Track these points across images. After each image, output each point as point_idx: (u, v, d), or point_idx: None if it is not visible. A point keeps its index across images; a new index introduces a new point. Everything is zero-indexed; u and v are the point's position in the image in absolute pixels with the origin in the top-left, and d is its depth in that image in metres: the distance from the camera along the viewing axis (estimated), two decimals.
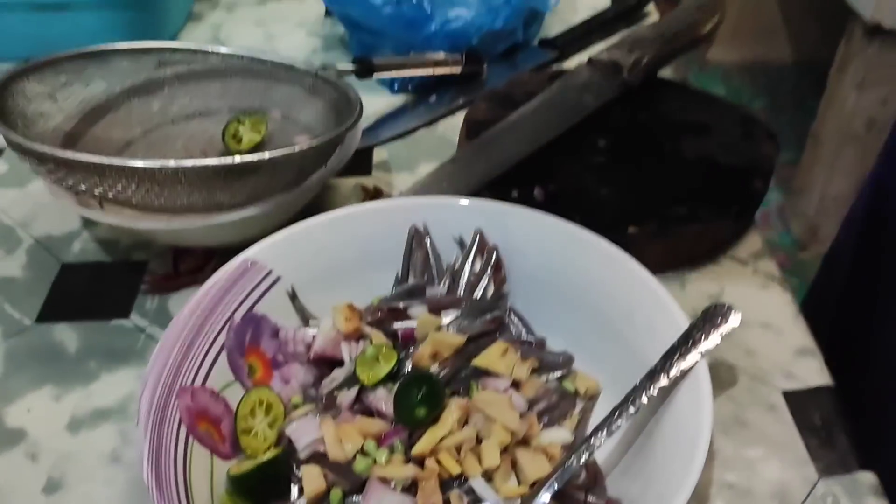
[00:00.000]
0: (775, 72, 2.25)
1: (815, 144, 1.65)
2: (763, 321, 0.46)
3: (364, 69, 0.59)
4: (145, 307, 0.47)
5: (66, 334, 0.46)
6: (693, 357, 0.36)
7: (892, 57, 1.45)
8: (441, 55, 0.64)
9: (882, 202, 0.57)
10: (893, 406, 0.51)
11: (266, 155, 0.43)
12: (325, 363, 0.41)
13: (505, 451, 0.36)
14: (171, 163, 0.41)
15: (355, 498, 0.35)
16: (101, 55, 0.53)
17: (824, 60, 1.67)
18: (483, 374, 0.39)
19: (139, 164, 0.41)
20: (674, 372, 0.36)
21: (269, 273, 0.42)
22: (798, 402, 0.41)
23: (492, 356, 0.39)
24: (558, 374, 0.41)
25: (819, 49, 2.06)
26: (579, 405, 0.40)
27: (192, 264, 0.49)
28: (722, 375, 0.43)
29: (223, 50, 0.55)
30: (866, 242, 0.58)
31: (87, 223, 0.53)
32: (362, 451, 0.36)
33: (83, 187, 0.43)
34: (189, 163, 0.41)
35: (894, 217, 0.54)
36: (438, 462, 0.35)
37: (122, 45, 0.53)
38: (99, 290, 0.49)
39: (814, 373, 0.43)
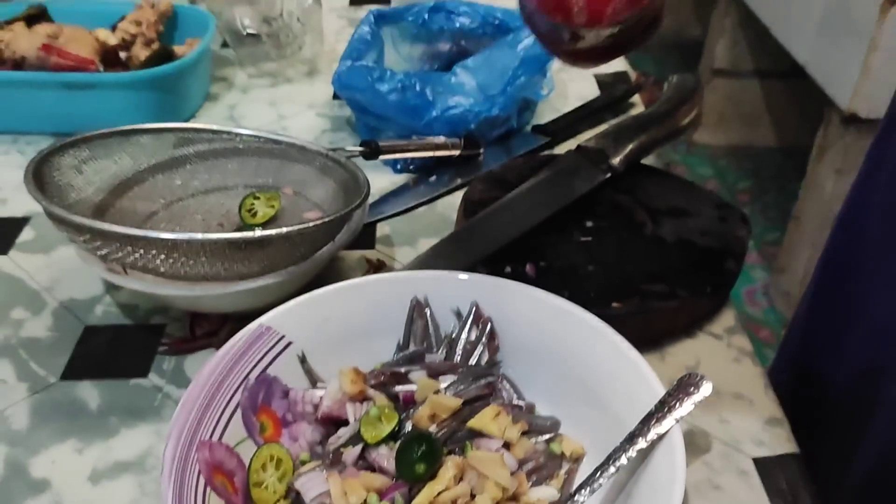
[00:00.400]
0: (759, 155, 2.33)
1: (797, 226, 1.70)
2: (735, 392, 0.49)
3: (371, 151, 0.64)
4: (163, 368, 0.51)
5: (89, 392, 0.49)
6: (668, 422, 0.39)
7: (868, 144, 1.53)
8: (441, 139, 0.69)
9: (829, 278, 0.61)
10: (852, 470, 0.54)
11: (283, 230, 0.47)
12: (332, 422, 0.44)
13: None
14: (198, 235, 0.45)
15: None
16: (129, 134, 0.58)
17: (805, 145, 1.75)
18: (477, 434, 0.42)
19: (168, 236, 0.45)
20: (651, 435, 0.39)
21: (281, 338, 0.45)
22: (767, 467, 0.45)
23: (485, 418, 0.43)
24: (546, 436, 0.44)
25: (800, 134, 2.16)
26: (565, 466, 0.43)
27: (207, 328, 0.53)
28: (698, 442, 0.47)
29: (241, 131, 0.60)
30: (814, 317, 0.62)
31: (110, 288, 0.57)
32: None
33: (113, 255, 0.47)
34: (214, 236, 0.45)
35: (841, 290, 0.58)
36: None
37: (149, 126, 0.58)
38: (119, 351, 0.52)
39: (782, 441, 0.46)
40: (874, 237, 0.55)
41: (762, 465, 0.45)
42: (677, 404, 0.40)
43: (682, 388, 0.41)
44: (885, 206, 0.54)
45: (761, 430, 0.47)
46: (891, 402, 0.51)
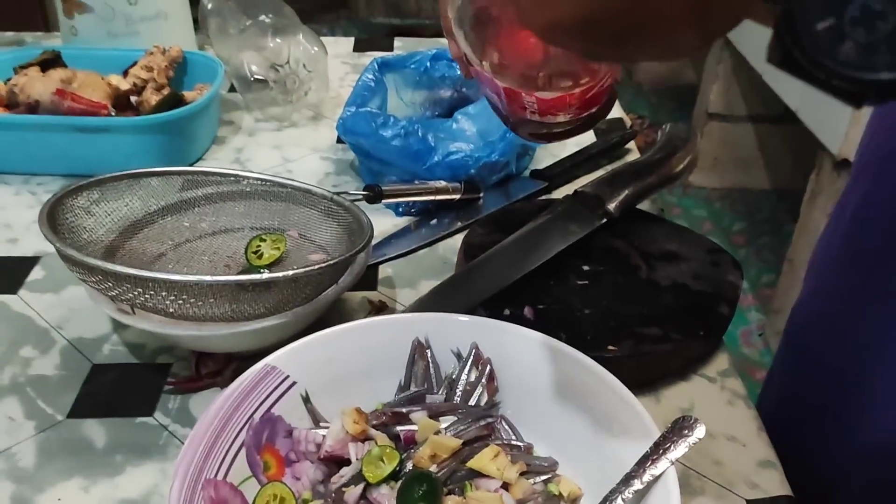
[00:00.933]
0: (753, 197, 2.36)
1: (791, 268, 1.72)
2: (729, 434, 0.50)
3: (374, 196, 0.66)
4: (168, 406, 0.52)
5: (95, 430, 0.50)
6: (663, 464, 0.40)
7: None
8: (442, 183, 0.71)
9: (799, 325, 0.62)
10: None
11: (289, 272, 0.48)
12: (334, 461, 0.45)
13: None
14: (207, 278, 0.46)
15: None
16: (139, 176, 0.59)
17: (799, 188, 1.77)
18: (476, 474, 0.43)
19: (178, 277, 0.47)
20: (646, 477, 0.40)
21: (285, 378, 0.46)
22: None
23: (484, 459, 0.44)
24: (544, 477, 0.45)
25: (794, 177, 2.19)
26: None
27: (212, 367, 0.54)
28: (693, 484, 0.47)
29: (248, 174, 0.62)
30: (788, 367, 0.64)
31: (117, 327, 0.58)
32: None
33: (123, 295, 0.49)
34: (222, 278, 0.47)
35: (810, 336, 0.59)
36: None
37: (159, 169, 0.60)
38: (126, 389, 0.53)
39: (775, 483, 0.47)
40: (837, 284, 0.57)
41: None
42: (672, 446, 0.41)
43: (676, 430, 0.42)
44: (847, 252, 0.56)
45: (755, 473, 0.48)
46: (866, 447, 0.52)
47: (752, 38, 2.02)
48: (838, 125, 1.54)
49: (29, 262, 0.65)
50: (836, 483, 0.54)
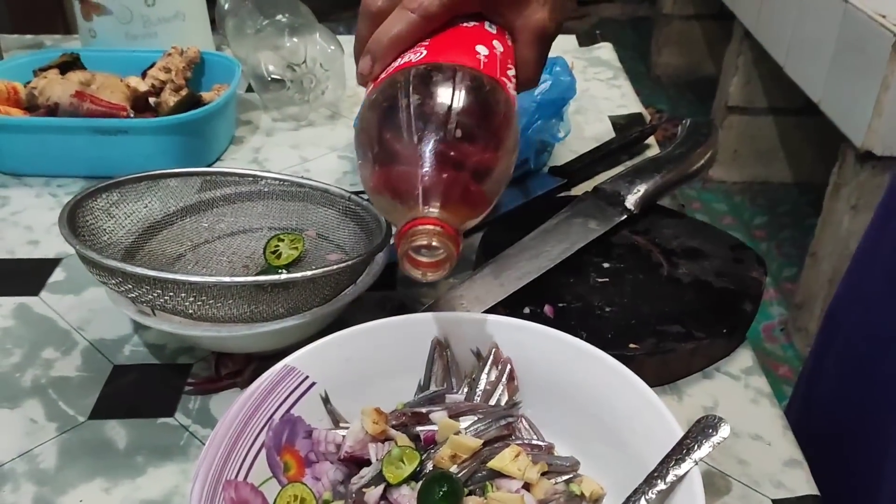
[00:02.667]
0: (775, 191, 2.34)
1: (815, 262, 1.70)
2: (754, 433, 0.50)
3: None
4: (188, 407, 0.52)
5: (116, 431, 0.50)
6: (687, 464, 0.40)
7: (884, 181, 1.53)
8: None
9: (843, 315, 0.61)
10: None
11: (308, 273, 0.48)
12: (354, 462, 0.45)
13: None
14: (226, 279, 0.46)
15: None
16: (158, 178, 0.60)
17: (821, 181, 1.75)
18: (497, 475, 0.43)
19: (197, 279, 0.47)
20: (670, 477, 0.39)
21: (305, 378, 0.46)
22: None
23: (505, 459, 0.43)
24: (566, 477, 0.45)
25: (816, 170, 2.16)
26: None
27: (232, 368, 0.54)
28: (717, 483, 0.47)
29: (266, 174, 0.62)
30: (826, 356, 0.63)
31: (138, 328, 0.58)
32: None
33: (143, 297, 0.49)
34: (241, 279, 0.47)
35: (853, 329, 0.58)
36: None
37: (177, 170, 0.60)
38: (147, 390, 0.53)
39: (801, 483, 0.47)
40: (888, 273, 0.56)
41: None
42: (696, 446, 0.41)
43: (700, 429, 0.42)
44: None
45: (780, 472, 0.47)
46: None
47: (773, 30, 2.00)
48: (861, 117, 1.52)
49: (50, 264, 0.65)
50: (869, 482, 0.53)
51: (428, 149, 0.44)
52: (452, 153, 0.44)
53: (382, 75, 0.49)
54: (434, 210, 0.43)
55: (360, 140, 0.48)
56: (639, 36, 3.15)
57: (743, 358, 0.55)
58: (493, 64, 0.48)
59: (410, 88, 0.45)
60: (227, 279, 0.46)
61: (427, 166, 0.43)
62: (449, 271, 0.44)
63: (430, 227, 0.43)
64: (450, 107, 0.44)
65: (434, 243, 0.43)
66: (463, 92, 0.45)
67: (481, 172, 0.45)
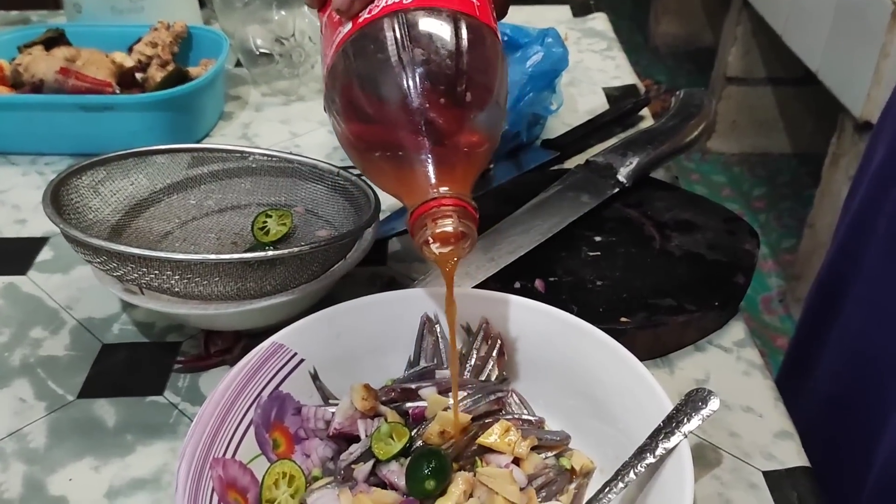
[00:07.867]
0: (773, 162, 2.32)
1: (813, 233, 1.70)
2: (745, 405, 0.49)
3: None
4: (178, 385, 0.52)
5: (105, 409, 0.50)
6: (677, 437, 0.39)
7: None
8: None
9: (834, 278, 0.61)
10: (864, 483, 0.54)
11: (295, 249, 0.48)
12: (344, 438, 0.44)
13: None
14: (212, 256, 0.46)
15: None
16: (145, 154, 0.59)
17: (820, 152, 1.74)
18: (487, 450, 0.43)
19: (182, 257, 0.46)
20: (659, 451, 0.39)
21: (294, 355, 0.46)
22: (777, 481, 0.45)
23: (495, 434, 0.43)
24: (556, 452, 0.45)
25: (814, 141, 2.15)
26: (575, 481, 0.44)
27: (221, 346, 0.54)
28: (708, 456, 0.47)
29: (254, 150, 0.61)
30: (818, 321, 0.62)
31: (126, 307, 0.58)
32: None
33: (129, 276, 0.48)
34: (227, 256, 0.46)
35: (845, 293, 0.58)
36: None
37: (165, 147, 0.59)
38: (136, 368, 0.53)
39: (792, 454, 0.47)
40: (886, 242, 0.55)
41: (772, 478, 0.45)
42: (685, 419, 0.40)
43: (690, 402, 0.42)
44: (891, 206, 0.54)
45: (771, 444, 0.47)
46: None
47: (771, 0, 1.97)
48: (860, 87, 1.50)
49: (38, 243, 0.64)
50: (862, 452, 0.53)
51: (434, 114, 0.37)
52: (462, 118, 0.38)
53: (366, 15, 0.40)
54: (447, 188, 0.38)
55: (337, 90, 0.40)
56: (637, 5, 3.11)
57: (735, 330, 0.55)
58: (485, 9, 0.42)
59: (407, 37, 0.38)
60: (212, 256, 0.46)
61: (434, 135, 0.37)
62: (469, 250, 0.40)
63: (450, 207, 0.38)
64: (456, 64, 0.38)
65: (461, 228, 0.38)
66: (466, 44, 0.38)
67: (484, 135, 0.40)
